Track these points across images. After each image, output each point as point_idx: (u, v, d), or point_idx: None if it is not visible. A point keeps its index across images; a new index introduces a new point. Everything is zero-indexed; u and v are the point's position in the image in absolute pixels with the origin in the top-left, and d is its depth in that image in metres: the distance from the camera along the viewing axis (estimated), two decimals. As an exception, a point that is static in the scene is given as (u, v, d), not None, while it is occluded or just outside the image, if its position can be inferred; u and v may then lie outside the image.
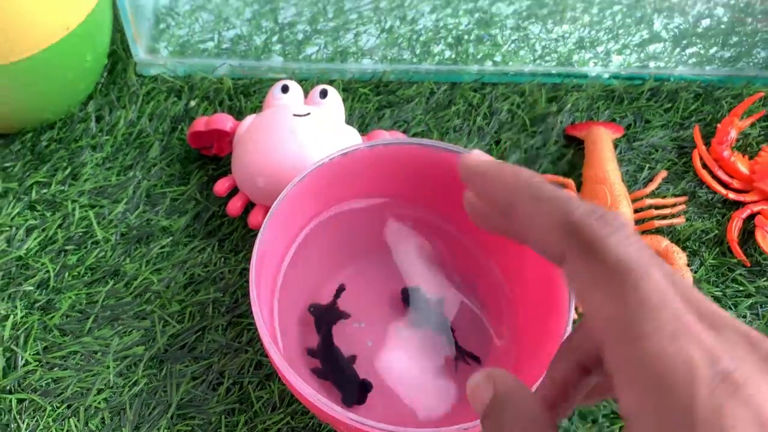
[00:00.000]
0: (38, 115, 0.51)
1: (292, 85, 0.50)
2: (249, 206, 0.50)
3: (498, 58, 0.63)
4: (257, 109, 0.55)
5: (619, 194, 0.53)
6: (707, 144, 0.59)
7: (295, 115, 0.48)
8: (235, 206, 0.49)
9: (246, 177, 0.48)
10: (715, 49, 0.66)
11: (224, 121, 0.50)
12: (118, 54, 0.57)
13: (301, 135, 0.47)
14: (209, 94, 0.56)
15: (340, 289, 0.45)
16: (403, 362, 0.44)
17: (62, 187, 0.51)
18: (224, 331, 0.46)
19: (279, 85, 0.50)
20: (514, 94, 0.61)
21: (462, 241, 0.47)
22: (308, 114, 0.48)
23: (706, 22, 0.67)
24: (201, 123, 0.50)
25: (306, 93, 0.51)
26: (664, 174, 0.57)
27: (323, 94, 0.51)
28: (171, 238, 0.49)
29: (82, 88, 0.52)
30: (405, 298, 0.46)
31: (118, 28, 0.56)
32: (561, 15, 0.66)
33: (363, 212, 0.47)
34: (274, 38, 0.60)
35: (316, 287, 0.46)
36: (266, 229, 0.39)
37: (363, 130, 0.57)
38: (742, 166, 0.57)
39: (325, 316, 0.44)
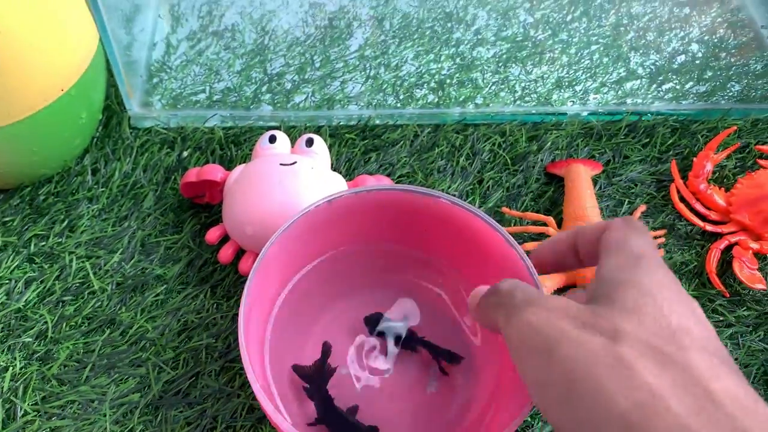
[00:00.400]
0: (36, 171, 0.53)
1: (279, 135, 0.52)
2: (240, 253, 0.51)
3: (479, 100, 0.65)
4: (247, 157, 0.57)
5: (597, 231, 0.54)
6: (684, 177, 0.61)
7: (281, 164, 0.50)
8: (226, 254, 0.50)
9: (235, 225, 0.49)
10: (690, 84, 0.68)
11: (214, 171, 0.52)
12: (113, 108, 0.59)
13: (287, 184, 0.49)
14: (201, 144, 0.58)
15: (326, 351, 0.45)
16: (396, 393, 0.45)
17: (60, 239, 0.52)
18: (217, 376, 0.47)
19: (266, 135, 0.52)
20: (495, 135, 0.63)
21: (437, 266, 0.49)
22: (294, 163, 0.50)
23: (681, 58, 0.70)
24: (192, 174, 0.52)
25: (293, 142, 0.53)
26: (643, 208, 0.59)
27: (309, 142, 0.52)
28: (165, 285, 0.51)
29: (77, 143, 0.54)
30: (369, 326, 0.47)
31: (112, 84, 0.58)
32: (540, 57, 0.68)
33: (350, 257, 0.49)
34: (264, 88, 0.62)
35: (304, 331, 0.47)
36: (253, 279, 0.41)
37: (350, 173, 0.59)
38: (719, 198, 0.59)
39: (316, 380, 0.44)
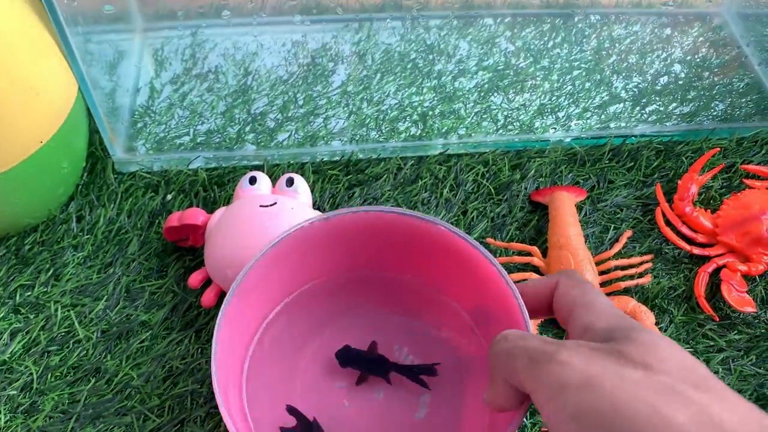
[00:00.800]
0: (20, 221, 0.53)
1: (259, 176, 0.53)
2: (222, 296, 0.51)
3: (462, 131, 0.65)
4: (230, 198, 0.58)
5: (582, 259, 0.54)
6: (670, 201, 0.60)
7: (261, 206, 0.50)
8: (208, 297, 0.50)
9: (217, 269, 0.50)
10: (674, 105, 0.68)
11: (196, 215, 0.52)
12: (97, 154, 0.59)
13: (267, 226, 0.49)
14: (185, 187, 0.59)
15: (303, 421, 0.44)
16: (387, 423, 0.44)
17: (45, 289, 0.53)
18: (203, 423, 0.47)
19: (247, 177, 0.52)
20: (478, 165, 0.63)
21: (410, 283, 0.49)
22: (274, 204, 0.50)
23: (664, 80, 0.70)
24: (175, 218, 0.52)
25: (274, 182, 0.54)
26: (629, 234, 0.58)
27: (289, 182, 0.53)
28: (150, 332, 0.51)
29: (61, 192, 0.54)
30: (341, 361, 0.46)
31: (96, 130, 0.58)
32: (521, 84, 0.68)
33: (326, 286, 0.48)
34: (247, 128, 0.63)
35: (288, 367, 0.47)
36: (221, 325, 0.40)
37: (334, 208, 0.59)
38: (705, 220, 0.59)
39: None
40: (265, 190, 0.52)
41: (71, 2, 0.49)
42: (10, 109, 0.45)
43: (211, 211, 0.54)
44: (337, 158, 0.62)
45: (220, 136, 0.62)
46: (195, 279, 0.51)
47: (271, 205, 0.50)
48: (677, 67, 0.70)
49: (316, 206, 0.58)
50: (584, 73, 0.69)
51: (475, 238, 0.58)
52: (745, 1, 0.74)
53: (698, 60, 0.71)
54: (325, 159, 0.62)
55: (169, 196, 0.58)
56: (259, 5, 0.69)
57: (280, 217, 0.49)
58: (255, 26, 0.69)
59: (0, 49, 0.44)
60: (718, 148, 0.63)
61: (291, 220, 0.49)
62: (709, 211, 0.59)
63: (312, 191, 0.59)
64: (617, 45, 0.71)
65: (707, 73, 0.70)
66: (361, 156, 0.63)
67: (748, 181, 0.62)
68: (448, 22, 0.72)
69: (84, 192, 0.58)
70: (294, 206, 0.51)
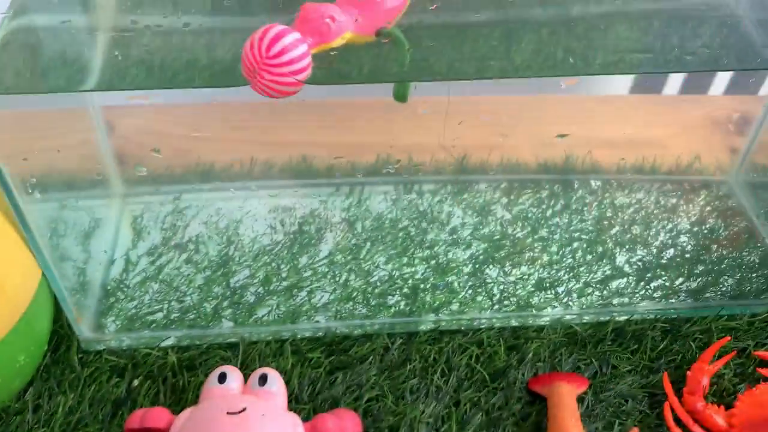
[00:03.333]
0: (-29, 415, 0.51)
1: (230, 372, 0.50)
2: None
3: (455, 306, 0.63)
4: (200, 386, 0.55)
5: (582, 471, 0.50)
6: (679, 392, 0.57)
7: (229, 413, 0.47)
8: None
9: (177, 481, 0.46)
10: (680, 279, 0.66)
11: (160, 417, 0.49)
12: (62, 333, 0.58)
13: (234, 436, 0.46)
14: (153, 371, 0.56)
15: None
16: None
17: (-10, 493, 0.49)
18: None
19: (216, 373, 0.50)
20: (472, 345, 0.60)
21: None
22: (243, 410, 0.48)
23: (670, 253, 0.68)
24: (136, 418, 0.50)
25: (247, 376, 0.51)
26: (635, 431, 0.55)
27: (263, 380, 0.50)
28: None
29: (16, 384, 0.52)
30: None
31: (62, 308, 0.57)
32: (519, 256, 0.67)
33: None
34: (225, 303, 0.61)
35: None
36: None
37: (313, 398, 0.56)
38: (719, 418, 0.55)
39: None
40: (236, 389, 0.50)
41: (27, 183, 0.48)
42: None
43: (178, 407, 0.51)
44: (320, 335, 0.60)
45: (195, 312, 0.60)
46: (152, 490, 0.47)
47: (239, 413, 0.47)
48: (683, 239, 0.69)
49: (293, 396, 0.55)
50: (585, 245, 0.68)
51: (467, 436, 0.55)
52: (753, 169, 0.73)
53: (705, 231, 0.70)
54: (306, 336, 0.60)
55: (135, 382, 0.56)
56: (247, 169, 0.69)
57: (250, 427, 0.47)
58: (241, 191, 0.69)
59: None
60: (729, 338, 0.60)
61: (261, 429, 0.46)
62: (722, 407, 0.56)
63: (290, 377, 0.57)
64: (620, 214, 0.71)
65: (715, 246, 0.69)
66: (345, 332, 0.61)
67: (762, 370, 0.59)
68: (442, 187, 0.72)
69: (44, 376, 0.55)
70: (266, 412, 0.48)
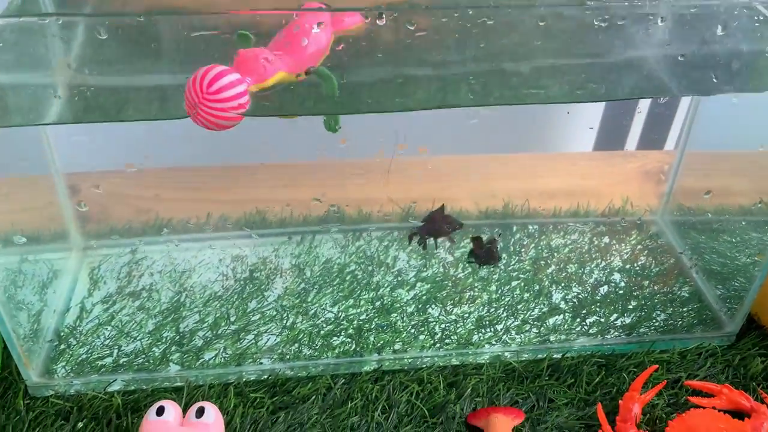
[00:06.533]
0: None
1: (168, 406, 0.49)
2: None
3: (398, 345, 0.62)
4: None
5: (512, 498, 0.48)
6: (612, 422, 0.56)
7: (163, 443, 0.46)
8: None
9: None
10: (615, 315, 0.66)
11: (95, 452, 0.47)
12: (10, 379, 0.56)
13: (167, 466, 0.44)
14: (98, 413, 0.54)
15: None
16: None
17: None
18: None
19: (154, 408, 0.49)
20: (413, 383, 0.59)
21: None
22: (178, 441, 0.46)
23: (604, 290, 0.68)
24: (73, 455, 0.48)
25: (186, 409, 0.50)
26: (570, 461, 0.53)
27: (200, 412, 0.49)
28: None
29: (-42, 426, 0.50)
30: None
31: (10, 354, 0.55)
32: (460, 296, 0.66)
33: None
34: (173, 347, 0.60)
35: None
36: None
37: (255, 437, 0.54)
38: (650, 445, 0.54)
39: None
40: (174, 422, 0.48)
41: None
42: None
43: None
44: (265, 377, 0.59)
45: (144, 356, 0.59)
46: None
47: (174, 442, 0.46)
48: (617, 276, 0.69)
49: (236, 431, 0.54)
50: (523, 284, 0.67)
51: (404, 470, 0.53)
52: (678, 209, 0.74)
53: (637, 268, 0.70)
54: (251, 379, 0.58)
55: (80, 425, 0.54)
56: (203, 223, 0.69)
57: (182, 457, 0.45)
58: (197, 242, 0.68)
59: None
60: (656, 366, 0.59)
61: (191, 460, 0.45)
62: (654, 434, 0.55)
63: (233, 417, 0.55)
64: (556, 254, 0.70)
65: (647, 282, 0.69)
66: (289, 374, 0.59)
67: (694, 399, 0.57)
68: (388, 234, 0.72)
69: (-10, 421, 0.53)
70: (200, 442, 0.46)
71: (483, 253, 0.58)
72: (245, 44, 0.46)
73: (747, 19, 0.43)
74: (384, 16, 0.42)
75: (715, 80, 0.45)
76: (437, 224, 0.56)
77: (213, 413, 0.49)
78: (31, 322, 0.57)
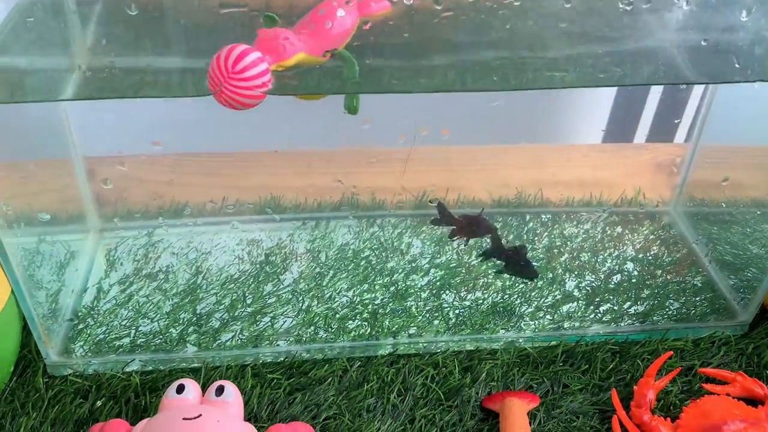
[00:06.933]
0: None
1: (188, 384, 0.49)
2: None
3: (412, 330, 0.62)
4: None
5: (530, 479, 0.48)
6: (627, 407, 0.56)
7: (184, 418, 0.46)
8: None
9: (130, 491, 0.44)
10: (628, 304, 0.66)
11: (118, 428, 0.47)
12: (30, 357, 0.56)
13: (188, 442, 0.44)
14: (116, 392, 0.55)
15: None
16: None
17: None
18: None
19: (174, 385, 0.49)
20: (428, 366, 0.59)
21: None
22: (199, 416, 0.46)
23: (617, 278, 0.68)
24: (95, 430, 0.48)
25: (205, 388, 0.50)
26: (585, 445, 0.53)
27: (219, 391, 0.49)
28: None
29: (-21, 401, 0.51)
30: None
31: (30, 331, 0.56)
32: (474, 282, 0.66)
33: None
34: (191, 329, 0.60)
35: None
36: None
37: (272, 417, 0.54)
38: (665, 430, 0.54)
39: None
40: (193, 400, 0.48)
41: (6, 209, 0.48)
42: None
43: (138, 421, 0.49)
44: (281, 359, 0.59)
45: (161, 337, 0.59)
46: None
47: (195, 418, 0.46)
48: (630, 266, 0.69)
49: (252, 414, 0.54)
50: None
51: (421, 451, 0.53)
52: (691, 200, 0.74)
53: (650, 258, 0.70)
54: (268, 361, 0.59)
55: (98, 403, 0.54)
56: (219, 206, 0.69)
57: (204, 431, 0.45)
58: (213, 225, 0.68)
59: None
60: (671, 352, 0.59)
61: (213, 434, 0.45)
62: (669, 419, 0.55)
63: (250, 397, 0.55)
64: (569, 243, 0.71)
65: (660, 272, 0.69)
66: (306, 356, 0.59)
67: (707, 386, 0.57)
68: (402, 221, 0.72)
69: (9, 398, 0.54)
70: (221, 418, 0.46)
71: (516, 263, 0.59)
72: (271, 25, 0.46)
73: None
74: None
75: (737, 66, 0.45)
76: (474, 227, 0.58)
77: (233, 391, 0.49)
78: (50, 302, 0.57)
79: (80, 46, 0.52)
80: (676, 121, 0.71)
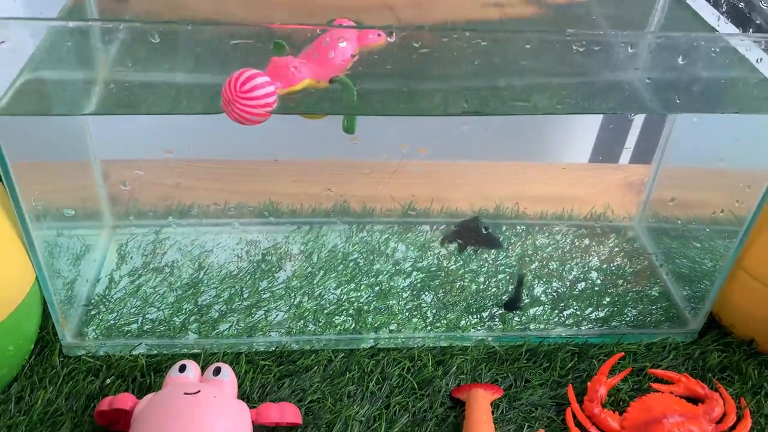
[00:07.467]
0: (-39, 400, 0.55)
1: (189, 364, 0.55)
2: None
3: (393, 327, 0.68)
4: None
5: (487, 459, 0.55)
6: (581, 402, 0.62)
7: (185, 393, 0.52)
8: (127, 482, 0.51)
9: (137, 455, 0.51)
10: (590, 309, 0.72)
11: (125, 400, 0.54)
12: (47, 338, 0.62)
13: (189, 413, 0.51)
14: (124, 372, 0.61)
15: None
16: None
17: (-28, 468, 0.53)
18: None
19: (177, 365, 0.55)
20: (404, 359, 0.65)
21: None
22: (198, 392, 0.52)
23: (581, 286, 0.74)
24: (105, 403, 0.54)
25: (204, 370, 0.56)
26: (541, 432, 0.60)
27: (216, 371, 0.55)
28: None
29: (4, 373, 0.57)
30: None
31: (49, 315, 0.62)
32: (451, 285, 0.72)
33: None
34: (192, 318, 0.66)
35: None
36: None
37: (263, 398, 0.60)
38: (613, 421, 0.60)
39: None
40: (193, 378, 0.55)
41: (36, 204, 0.54)
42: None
43: (143, 396, 0.55)
44: (273, 349, 0.65)
45: (165, 325, 0.65)
46: (114, 464, 0.52)
47: (194, 393, 0.52)
48: (594, 274, 0.75)
49: (245, 396, 0.60)
50: (508, 277, 0.74)
51: (394, 433, 0.59)
52: (653, 216, 0.81)
53: (613, 268, 0.76)
54: (260, 349, 0.65)
55: (108, 380, 0.60)
56: (221, 209, 0.76)
57: (202, 406, 0.51)
58: (214, 226, 0.75)
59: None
60: (623, 353, 0.65)
61: (213, 408, 0.51)
62: (617, 413, 0.61)
63: (243, 381, 0.61)
64: (540, 252, 0.77)
65: (621, 281, 0.75)
66: (295, 347, 0.66)
67: (655, 385, 0.64)
68: (389, 227, 0.78)
69: (29, 374, 0.60)
70: (217, 395, 0.53)
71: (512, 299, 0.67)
72: (280, 52, 0.53)
73: (705, 49, 0.49)
74: (394, 34, 0.48)
75: (677, 101, 0.52)
76: (475, 236, 0.65)
77: (228, 373, 0.55)
78: (67, 289, 0.64)
79: (104, 64, 0.59)
80: (627, 147, 0.78)
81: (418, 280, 0.73)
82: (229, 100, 0.49)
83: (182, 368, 0.55)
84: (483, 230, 0.66)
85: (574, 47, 0.49)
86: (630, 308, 0.72)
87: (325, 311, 0.69)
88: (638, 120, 0.85)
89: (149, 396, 0.54)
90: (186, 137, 0.65)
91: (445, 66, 0.51)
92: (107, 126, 0.67)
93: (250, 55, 0.50)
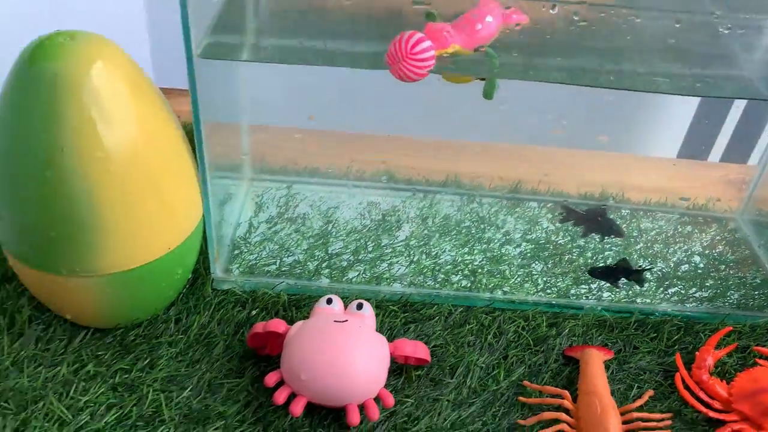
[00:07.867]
0: (132, 315, 0.61)
1: (335, 298, 0.61)
2: (291, 396, 0.57)
3: (506, 289, 0.73)
4: (306, 317, 0.65)
5: (606, 405, 0.58)
6: (689, 370, 0.65)
7: (335, 321, 0.58)
8: (280, 395, 0.56)
9: (292, 372, 0.56)
10: (694, 289, 0.75)
11: (279, 325, 0.59)
12: (200, 272, 0.69)
13: (338, 338, 0.56)
14: (268, 306, 0.67)
15: None
16: None
17: (140, 374, 0.59)
18: (260, 506, 0.51)
19: (325, 298, 0.61)
20: (519, 319, 0.70)
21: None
22: (346, 321, 0.58)
23: (684, 267, 0.77)
24: (260, 326, 0.60)
25: (346, 305, 0.62)
26: (650, 393, 0.63)
27: (359, 306, 0.61)
28: (224, 422, 0.56)
29: (170, 295, 0.63)
30: None
31: (202, 252, 0.68)
32: (560, 257, 0.77)
33: None
34: (324, 264, 0.72)
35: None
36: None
37: (390, 339, 0.65)
38: (721, 389, 0.63)
39: None
40: (339, 310, 0.60)
41: (215, 156, 0.61)
42: (155, 219, 0.55)
43: (289, 325, 0.61)
44: (397, 298, 0.70)
45: (301, 268, 0.71)
46: (271, 378, 0.57)
47: (343, 322, 0.57)
48: (696, 259, 0.79)
49: (378, 331, 0.65)
50: (614, 255, 0.77)
51: (512, 381, 0.63)
52: (758, 210, 0.83)
53: (715, 255, 0.79)
54: (386, 297, 0.70)
55: (254, 312, 0.66)
56: (344, 171, 0.82)
57: (350, 332, 0.57)
58: (341, 186, 0.81)
59: (159, 175, 0.55)
60: (731, 327, 0.68)
61: (359, 336, 0.57)
62: (724, 382, 0.64)
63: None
64: (644, 235, 0.80)
65: (723, 267, 0.78)
66: (417, 299, 0.71)
67: (760, 361, 0.67)
68: (498, 201, 0.83)
69: (184, 300, 0.66)
70: (362, 325, 0.58)
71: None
72: (432, 19, 0.58)
73: None
74: (557, 6, 0.53)
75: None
76: (602, 224, 0.70)
77: (369, 308, 0.61)
78: (216, 230, 0.70)
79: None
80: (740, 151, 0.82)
81: (528, 251, 0.77)
82: (397, 59, 0.55)
83: (329, 301, 0.60)
84: (607, 219, 0.72)
85: (720, 29, 0.53)
86: (733, 291, 0.75)
87: (443, 270, 0.74)
88: (732, 115, 0.88)
89: (300, 323, 0.59)
90: (329, 107, 0.72)
91: (582, 41, 0.55)
92: (258, 91, 0.74)
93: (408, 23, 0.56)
